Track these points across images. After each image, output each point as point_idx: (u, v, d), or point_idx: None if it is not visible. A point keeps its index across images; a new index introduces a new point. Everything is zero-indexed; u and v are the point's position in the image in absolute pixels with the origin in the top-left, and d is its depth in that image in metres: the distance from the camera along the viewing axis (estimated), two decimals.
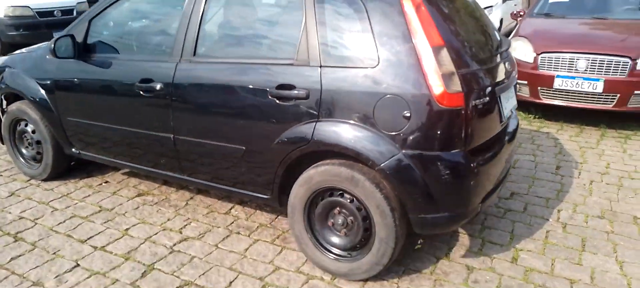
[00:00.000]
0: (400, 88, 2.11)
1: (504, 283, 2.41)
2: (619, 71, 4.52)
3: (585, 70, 4.65)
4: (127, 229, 2.93)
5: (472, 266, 2.55)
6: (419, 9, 2.15)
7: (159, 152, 2.90)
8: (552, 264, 2.56)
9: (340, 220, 2.40)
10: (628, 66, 4.49)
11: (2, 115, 3.60)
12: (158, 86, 2.71)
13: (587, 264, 2.56)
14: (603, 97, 4.63)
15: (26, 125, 3.52)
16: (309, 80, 2.28)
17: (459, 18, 2.42)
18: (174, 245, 2.76)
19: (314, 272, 2.50)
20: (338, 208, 2.39)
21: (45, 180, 3.57)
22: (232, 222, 3.00)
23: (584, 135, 4.65)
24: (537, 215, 3.07)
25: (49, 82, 3.23)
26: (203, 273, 2.49)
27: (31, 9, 9.74)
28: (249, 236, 2.85)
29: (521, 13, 6.36)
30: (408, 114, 2.10)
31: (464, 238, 2.80)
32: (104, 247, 2.74)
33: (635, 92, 4.50)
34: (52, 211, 3.15)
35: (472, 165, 2.17)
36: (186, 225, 2.98)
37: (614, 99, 4.58)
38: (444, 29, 2.19)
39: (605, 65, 4.58)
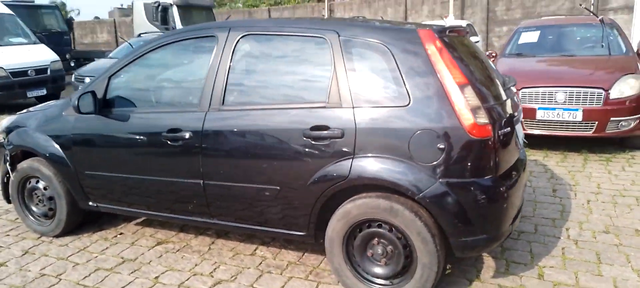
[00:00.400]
0: (432, 123, 2.28)
1: None
2: (595, 101, 4.90)
3: (564, 101, 5.02)
4: (157, 277, 2.91)
5: (505, 285, 2.68)
6: (441, 51, 2.36)
7: (186, 198, 2.94)
8: (576, 277, 2.72)
9: (379, 250, 2.49)
10: (602, 96, 4.88)
11: (11, 173, 3.55)
12: (187, 135, 2.78)
13: (607, 275, 2.74)
14: (583, 124, 4.99)
15: (37, 182, 3.48)
16: (343, 121, 2.43)
17: (471, 59, 2.64)
18: None
19: None
20: (377, 239, 2.50)
21: (57, 236, 3.50)
22: (261, 263, 3.04)
23: (569, 160, 4.96)
24: (548, 235, 3.25)
25: (65, 138, 3.24)
26: None
27: (4, 69, 9.63)
28: (281, 274, 2.89)
29: (493, 54, 6.80)
30: (442, 146, 2.27)
31: (488, 260, 2.94)
32: None
33: (611, 118, 4.88)
34: (73, 266, 3.09)
35: (502, 189, 2.34)
36: (215, 269, 2.99)
37: (593, 126, 4.94)
38: (464, 68, 2.41)
39: (581, 96, 4.96)
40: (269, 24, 2.81)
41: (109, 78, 3.14)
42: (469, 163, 2.27)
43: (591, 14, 7.56)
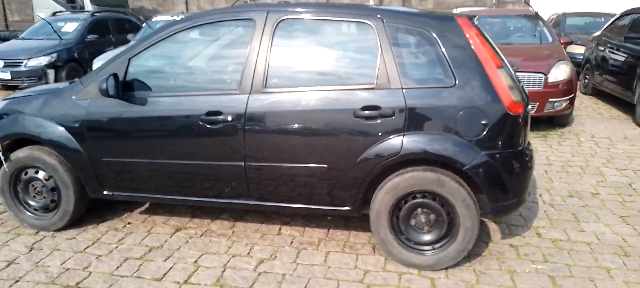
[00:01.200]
0: (477, 101, 2.60)
1: (544, 251, 3.01)
2: (536, 84, 5.64)
3: None
4: (195, 261, 2.93)
5: (514, 244, 3.12)
6: (478, 36, 2.69)
7: (224, 181, 2.97)
8: (567, 233, 3.25)
9: (422, 218, 2.78)
10: (542, 80, 5.63)
11: (5, 163, 3.25)
12: (229, 117, 2.82)
13: (588, 230, 3.30)
14: None
15: (36, 172, 3.24)
16: (393, 101, 2.65)
17: (492, 46, 3.01)
18: (255, 268, 2.85)
19: (400, 268, 2.83)
20: (420, 209, 2.78)
21: (59, 229, 3.30)
22: (292, 241, 3.17)
23: None
24: (528, 201, 3.79)
25: (77, 123, 3.07)
26: (305, 286, 2.66)
27: None
28: (317, 249, 3.06)
29: None
30: (485, 122, 2.60)
31: (492, 225, 3.37)
32: (187, 281, 2.72)
33: (549, 99, 5.65)
34: (97, 258, 2.97)
35: (528, 158, 2.75)
36: (250, 249, 3.07)
37: (534, 106, 5.68)
38: (495, 52, 2.76)
39: (525, 80, 5.66)
40: (309, 8, 2.91)
41: (129, 60, 3.03)
42: (507, 136, 2.64)
43: (525, 4, 8.46)
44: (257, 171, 2.89)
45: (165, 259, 2.95)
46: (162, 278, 2.75)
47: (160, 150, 3.01)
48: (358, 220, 3.39)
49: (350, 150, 2.74)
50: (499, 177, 2.66)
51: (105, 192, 3.21)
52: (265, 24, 2.88)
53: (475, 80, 2.62)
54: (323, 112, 2.74)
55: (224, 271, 2.82)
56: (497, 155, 2.64)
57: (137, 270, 2.83)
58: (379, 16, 2.76)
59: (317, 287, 2.66)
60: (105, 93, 2.88)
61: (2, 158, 3.22)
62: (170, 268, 2.85)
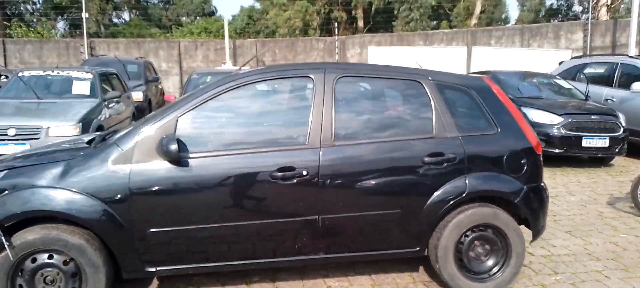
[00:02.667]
0: (516, 144, 3.11)
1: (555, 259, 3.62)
2: None
3: None
4: None
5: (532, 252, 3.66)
6: (501, 93, 3.24)
7: (294, 237, 2.87)
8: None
9: (480, 250, 3.12)
10: None
11: (8, 249, 2.55)
12: (304, 172, 2.80)
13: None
14: None
15: (51, 257, 2.64)
16: (454, 147, 3.00)
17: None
18: None
19: None
20: (477, 241, 3.11)
21: None
22: None
23: None
24: None
25: (118, 193, 2.65)
26: None
27: None
28: None
29: None
30: (524, 161, 3.12)
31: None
32: None
33: None
34: None
35: (547, 190, 3.34)
36: None
37: None
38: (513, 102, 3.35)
39: None
40: (363, 68, 3.11)
41: (178, 118, 2.77)
42: (538, 172, 3.19)
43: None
44: (331, 223, 2.89)
45: None
46: None
47: (222, 211, 2.79)
48: (387, 263, 3.54)
49: (420, 193, 2.96)
50: (536, 206, 3.18)
51: (147, 269, 2.78)
52: (324, 82, 2.97)
53: (510, 127, 3.14)
54: (393, 160, 2.94)
55: None
56: (533, 188, 3.17)
57: None
58: (428, 77, 3.12)
59: None
60: (167, 155, 2.58)
61: (4, 242, 2.55)
62: None
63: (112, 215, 2.65)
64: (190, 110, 2.81)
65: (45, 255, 2.65)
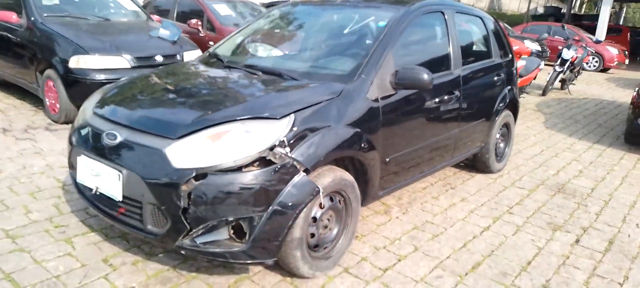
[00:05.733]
0: (513, 62, 4.59)
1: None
2: None
3: None
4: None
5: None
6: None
7: (452, 146, 3.60)
8: None
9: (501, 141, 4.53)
10: None
11: (322, 200, 2.32)
12: (457, 93, 3.51)
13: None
14: None
15: (331, 199, 2.55)
16: (502, 67, 4.25)
17: None
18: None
19: None
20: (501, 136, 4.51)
21: None
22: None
23: None
24: None
25: (376, 125, 2.76)
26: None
27: None
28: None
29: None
30: (514, 75, 4.64)
31: None
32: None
33: None
34: None
35: None
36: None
37: None
38: None
39: None
40: (460, 6, 3.85)
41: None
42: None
43: None
44: (462, 132, 3.71)
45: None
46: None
47: (426, 132, 3.26)
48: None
49: (494, 101, 4.10)
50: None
51: (379, 193, 2.99)
52: (452, 17, 3.63)
53: (511, 50, 4.59)
54: (486, 79, 3.96)
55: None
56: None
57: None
58: (485, 15, 4.17)
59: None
60: (421, 83, 2.81)
61: (320, 191, 2.34)
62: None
63: (373, 146, 2.75)
64: (395, 45, 3.01)
65: (327, 199, 2.55)
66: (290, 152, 2.26)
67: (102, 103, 2.76)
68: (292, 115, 2.35)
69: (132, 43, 5.29)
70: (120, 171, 2.29)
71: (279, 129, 2.28)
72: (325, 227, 2.60)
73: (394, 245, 3.02)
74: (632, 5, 35.70)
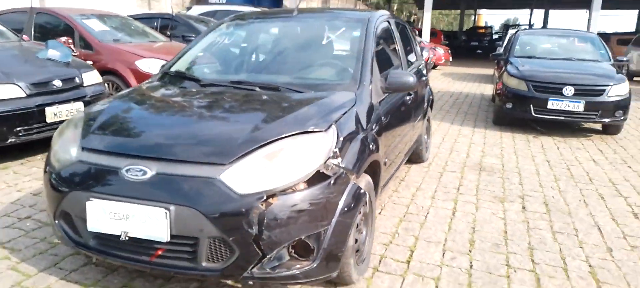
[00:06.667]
0: None
1: None
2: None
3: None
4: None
5: None
6: None
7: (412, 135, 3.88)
8: None
9: None
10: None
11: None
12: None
13: None
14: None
15: None
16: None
17: None
18: None
19: None
20: None
21: None
22: None
23: None
24: None
25: (379, 124, 2.89)
26: None
27: None
28: None
29: None
30: None
31: None
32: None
33: None
34: None
35: None
36: None
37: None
38: None
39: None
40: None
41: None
42: None
43: None
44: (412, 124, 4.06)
45: None
46: None
47: (401, 132, 3.49)
48: None
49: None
50: None
51: (379, 194, 3.11)
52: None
53: None
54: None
55: None
56: None
57: None
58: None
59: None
60: (408, 86, 3.04)
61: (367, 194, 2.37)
62: None
63: (379, 148, 2.86)
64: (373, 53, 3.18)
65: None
66: (341, 162, 2.27)
67: (93, 136, 2.36)
68: (334, 126, 2.35)
69: (21, 68, 4.48)
70: (167, 208, 2.01)
71: (329, 141, 2.26)
72: (360, 231, 2.64)
73: (397, 238, 3.19)
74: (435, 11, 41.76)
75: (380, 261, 2.88)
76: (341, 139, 2.33)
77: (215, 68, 3.33)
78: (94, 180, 2.18)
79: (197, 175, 2.06)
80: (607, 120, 6.29)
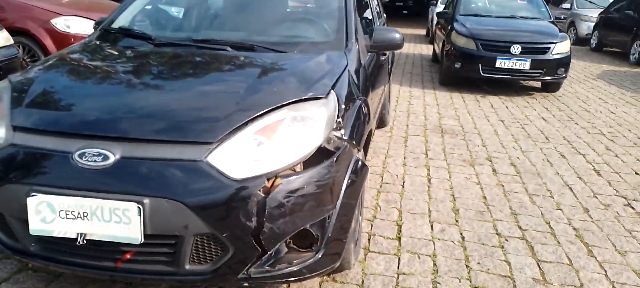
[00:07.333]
0: None
1: None
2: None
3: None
4: None
5: None
6: None
7: None
8: None
9: None
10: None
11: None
12: None
13: None
14: None
15: None
16: None
17: None
18: None
19: None
20: None
21: None
22: None
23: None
24: None
25: (367, 89, 2.59)
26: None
27: None
28: None
29: None
30: None
31: None
32: None
33: None
34: None
35: None
36: None
37: None
38: None
39: None
40: None
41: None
42: None
43: None
44: None
45: None
46: None
47: (379, 94, 3.21)
48: None
49: None
50: None
51: None
52: None
53: None
54: None
55: None
56: None
57: None
58: None
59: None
60: (396, 43, 2.74)
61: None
62: None
63: (370, 111, 2.58)
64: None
65: None
66: (343, 133, 1.95)
67: (27, 111, 1.84)
68: (333, 92, 2.01)
69: None
70: (140, 202, 1.59)
71: (330, 109, 1.93)
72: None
73: (380, 212, 2.96)
74: None
75: (369, 239, 2.64)
76: (342, 106, 2.00)
77: (170, 23, 2.83)
78: (35, 169, 1.69)
79: (177, 157, 1.65)
80: (549, 78, 6.45)
